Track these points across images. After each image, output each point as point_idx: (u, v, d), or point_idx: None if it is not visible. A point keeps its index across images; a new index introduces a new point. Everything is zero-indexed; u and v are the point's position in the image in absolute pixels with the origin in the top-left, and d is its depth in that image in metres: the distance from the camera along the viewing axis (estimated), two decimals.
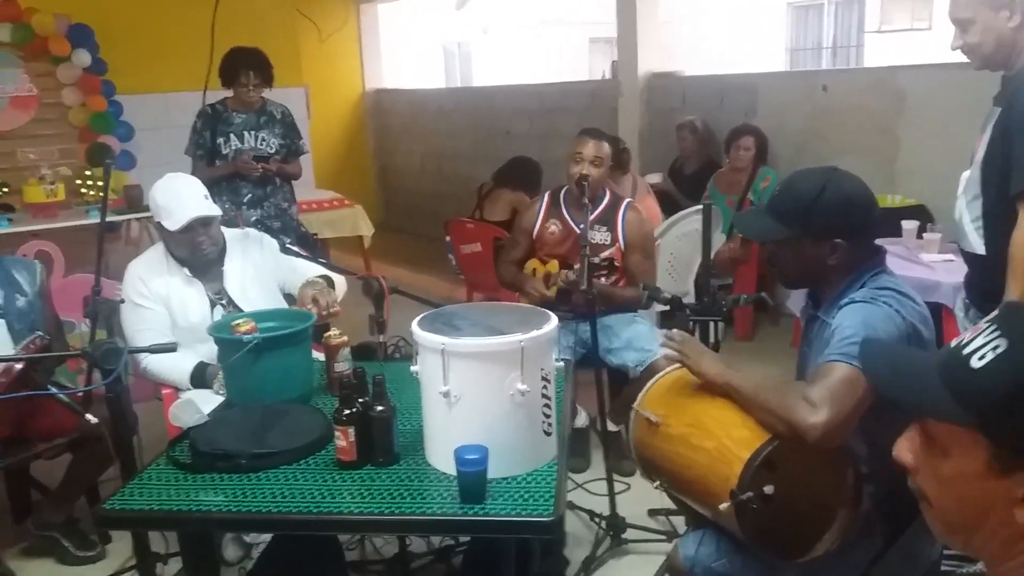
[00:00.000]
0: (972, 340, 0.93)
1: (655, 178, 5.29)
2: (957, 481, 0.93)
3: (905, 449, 0.99)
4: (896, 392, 0.99)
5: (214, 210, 2.70)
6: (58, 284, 3.99)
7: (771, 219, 1.84)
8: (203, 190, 2.73)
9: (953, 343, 0.97)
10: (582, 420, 3.45)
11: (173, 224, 2.62)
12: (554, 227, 3.36)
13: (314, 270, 2.82)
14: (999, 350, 0.90)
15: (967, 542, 0.94)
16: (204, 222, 2.66)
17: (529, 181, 5.06)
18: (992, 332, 0.92)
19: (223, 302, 2.73)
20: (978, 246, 2.22)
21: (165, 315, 2.68)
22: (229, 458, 1.87)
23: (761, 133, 4.93)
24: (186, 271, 2.71)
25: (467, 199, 5.21)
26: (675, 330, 1.97)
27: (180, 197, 2.66)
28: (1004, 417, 0.88)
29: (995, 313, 0.95)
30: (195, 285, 2.71)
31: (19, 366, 2.47)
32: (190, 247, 2.67)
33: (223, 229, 2.81)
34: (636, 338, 3.22)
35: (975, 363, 0.91)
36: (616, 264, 3.29)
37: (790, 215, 1.81)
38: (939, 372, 0.95)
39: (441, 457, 1.83)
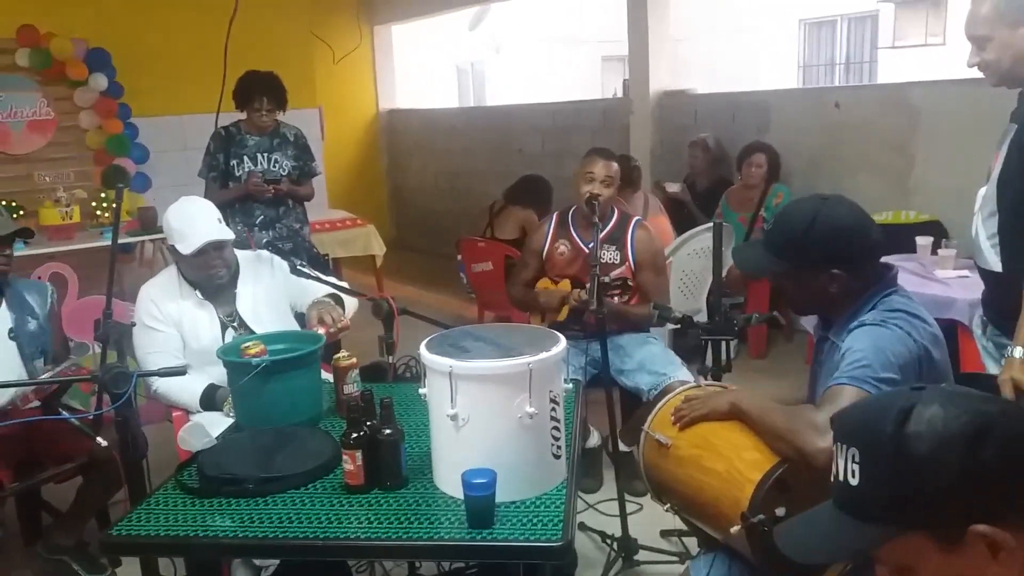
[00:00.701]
0: (837, 465, 0.98)
1: (674, 187, 5.28)
2: None
3: None
4: (827, 554, 1.04)
5: (227, 234, 2.71)
6: (72, 306, 4.02)
7: (766, 252, 1.84)
8: (217, 214, 2.74)
9: (832, 479, 1.00)
10: (594, 440, 3.43)
11: (187, 248, 2.62)
12: (563, 247, 3.36)
13: (323, 290, 2.82)
14: (857, 458, 0.94)
15: None
16: (217, 246, 2.66)
17: (539, 199, 5.06)
18: (842, 448, 0.96)
19: (234, 324, 2.73)
20: (994, 263, 2.19)
21: (177, 337, 2.68)
22: (236, 482, 1.86)
23: (773, 150, 4.91)
24: (198, 294, 2.72)
25: (479, 217, 5.21)
26: (680, 398, 1.94)
27: (194, 221, 2.66)
28: (907, 504, 0.90)
29: (835, 431, 1.00)
30: (207, 308, 2.72)
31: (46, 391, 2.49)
32: (203, 270, 2.67)
33: (236, 251, 2.83)
34: (650, 360, 3.19)
35: (852, 481, 0.94)
36: (630, 283, 3.28)
37: (783, 248, 1.81)
38: (843, 510, 0.98)
39: (449, 481, 1.82)
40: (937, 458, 0.88)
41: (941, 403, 0.91)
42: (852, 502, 0.95)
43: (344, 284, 2.93)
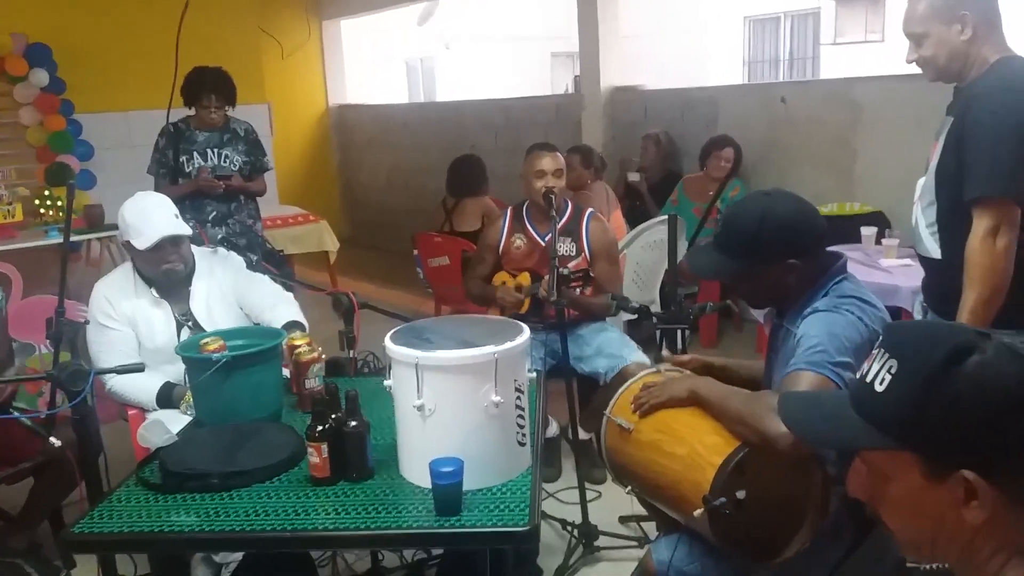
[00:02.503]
0: (871, 368, 1.00)
1: (633, 176, 5.35)
2: (905, 501, 0.98)
3: (855, 486, 1.05)
4: (824, 439, 1.07)
5: (184, 229, 2.68)
6: (17, 306, 3.91)
7: (721, 256, 1.89)
8: (173, 209, 2.70)
9: (858, 375, 1.03)
10: (553, 430, 3.47)
11: (142, 243, 2.58)
12: (519, 241, 3.39)
13: (272, 287, 2.82)
14: (893, 369, 0.96)
15: (933, 555, 0.99)
16: (174, 241, 2.63)
17: (479, 179, 5.09)
18: (883, 356, 0.99)
19: (189, 324, 2.70)
20: (934, 250, 2.28)
21: (131, 336, 2.65)
22: (200, 478, 1.85)
23: (738, 145, 4.99)
24: (153, 292, 2.68)
25: (434, 213, 5.22)
26: (640, 384, 1.98)
27: (149, 216, 2.62)
28: (918, 429, 0.93)
29: (882, 337, 1.02)
30: (162, 306, 2.69)
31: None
32: (158, 266, 2.64)
33: (192, 248, 2.79)
34: (606, 344, 3.25)
35: (878, 388, 0.97)
36: (591, 275, 3.32)
37: (737, 249, 1.85)
38: (855, 406, 1.01)
39: (416, 471, 1.84)
40: (970, 404, 0.90)
41: (998, 356, 0.92)
42: (869, 405, 0.98)
43: (301, 281, 2.92)
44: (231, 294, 2.80)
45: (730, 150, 4.93)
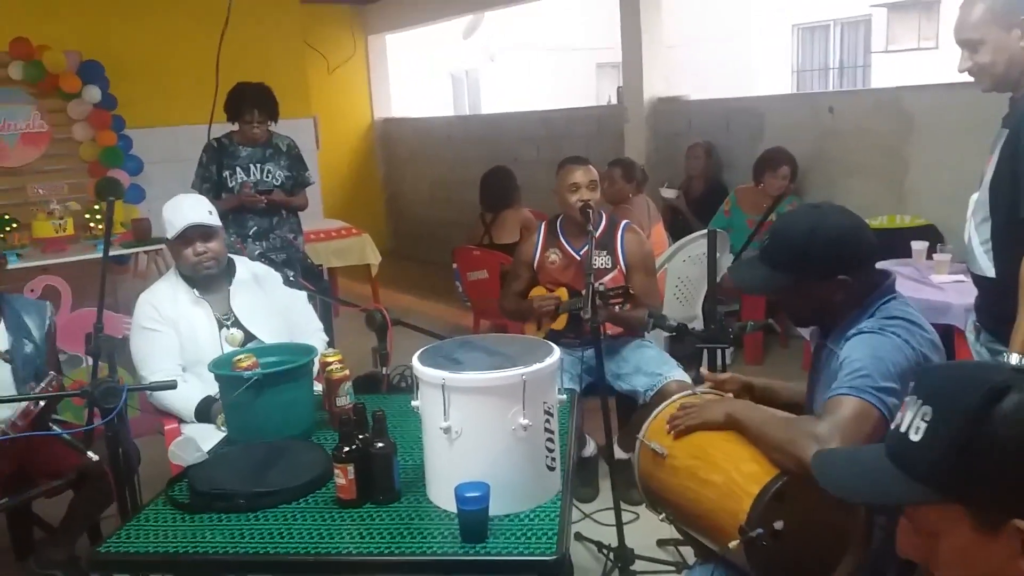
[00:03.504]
0: (904, 416, 0.95)
1: (670, 193, 5.26)
2: (958, 558, 0.91)
3: (906, 546, 0.98)
4: (864, 497, 1.02)
5: (214, 221, 2.75)
6: (65, 319, 3.99)
7: (767, 269, 1.81)
8: (208, 206, 2.79)
9: (892, 426, 0.98)
10: (590, 449, 3.41)
11: (171, 231, 2.69)
12: (554, 256, 3.35)
13: (309, 313, 2.91)
14: (928, 417, 0.91)
15: None
16: (203, 234, 2.70)
17: (510, 190, 5.06)
18: (916, 403, 0.94)
19: (229, 323, 2.74)
20: (987, 269, 2.18)
21: (174, 338, 2.69)
22: (227, 498, 1.84)
23: (794, 159, 4.84)
24: (195, 292, 2.73)
25: (474, 226, 5.20)
26: (676, 406, 1.93)
27: (180, 207, 2.75)
28: (961, 478, 0.88)
29: (913, 383, 0.97)
30: (203, 306, 2.74)
31: (37, 408, 2.47)
32: (190, 259, 2.71)
33: (235, 257, 2.86)
34: (645, 363, 3.19)
35: (913, 437, 0.92)
36: (631, 292, 3.26)
37: (785, 263, 1.78)
38: (892, 460, 0.95)
39: (442, 494, 1.80)
40: (1013, 447, 0.85)
41: None
42: (906, 456, 0.93)
43: (337, 297, 2.93)
44: (276, 304, 2.83)
45: (786, 168, 4.78)
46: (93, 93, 5.68)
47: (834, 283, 1.74)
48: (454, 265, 5.04)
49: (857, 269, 1.74)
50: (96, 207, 5.40)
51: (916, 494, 0.91)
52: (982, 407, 0.87)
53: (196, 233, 2.69)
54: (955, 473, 0.88)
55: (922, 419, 0.92)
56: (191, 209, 2.74)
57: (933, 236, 4.11)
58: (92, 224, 5.31)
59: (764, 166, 4.86)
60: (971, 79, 2.18)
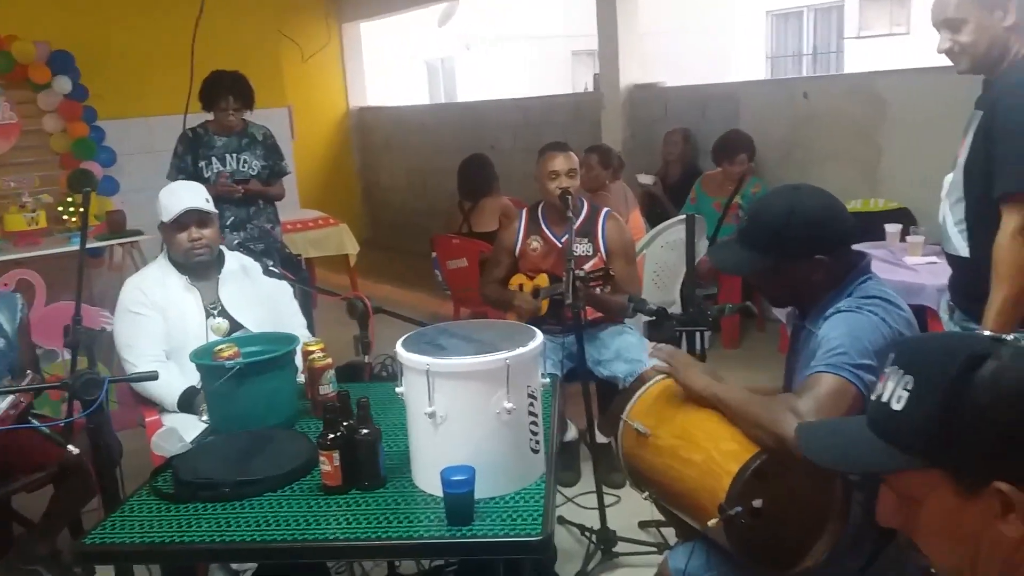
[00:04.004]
0: (885, 387, 0.97)
1: (647, 179, 5.29)
2: (940, 524, 0.94)
3: (885, 514, 1.01)
4: (847, 466, 1.04)
5: (210, 208, 2.75)
6: (40, 312, 3.95)
7: (746, 250, 1.84)
8: (205, 193, 2.80)
9: (873, 397, 0.99)
10: (571, 434, 3.43)
11: (167, 215, 2.68)
12: (536, 243, 3.36)
13: (294, 307, 2.91)
14: (909, 386, 0.93)
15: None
16: (199, 221, 2.70)
17: (488, 178, 5.05)
18: (897, 373, 0.96)
19: (216, 311, 2.73)
20: (962, 249, 2.22)
21: (160, 323, 2.68)
22: (212, 487, 1.84)
23: (751, 144, 4.90)
24: (186, 278, 2.72)
25: (453, 215, 5.20)
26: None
27: (178, 192, 2.77)
28: (944, 444, 0.90)
29: (893, 355, 0.99)
30: (192, 292, 2.73)
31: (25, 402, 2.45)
32: (183, 244, 2.69)
33: (225, 250, 2.86)
34: (625, 349, 3.22)
35: (896, 406, 0.94)
36: (611, 273, 3.28)
37: (764, 243, 1.80)
38: (874, 429, 0.98)
39: (428, 479, 1.81)
40: (993, 412, 0.87)
41: (1016, 359, 0.90)
42: (889, 425, 0.95)
43: (318, 287, 2.92)
44: (263, 295, 2.83)
45: (743, 155, 4.84)
46: (63, 84, 5.60)
47: (812, 263, 1.76)
48: (433, 254, 5.04)
49: (835, 249, 1.77)
50: (69, 199, 5.34)
51: (899, 462, 0.93)
52: (962, 374, 0.89)
53: (192, 219, 2.69)
54: (937, 439, 0.90)
55: (904, 388, 0.93)
56: (188, 194, 2.74)
57: (906, 219, 4.17)
58: (65, 217, 5.26)
59: (721, 154, 4.93)
60: (946, 62, 2.21)
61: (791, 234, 1.76)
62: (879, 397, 0.97)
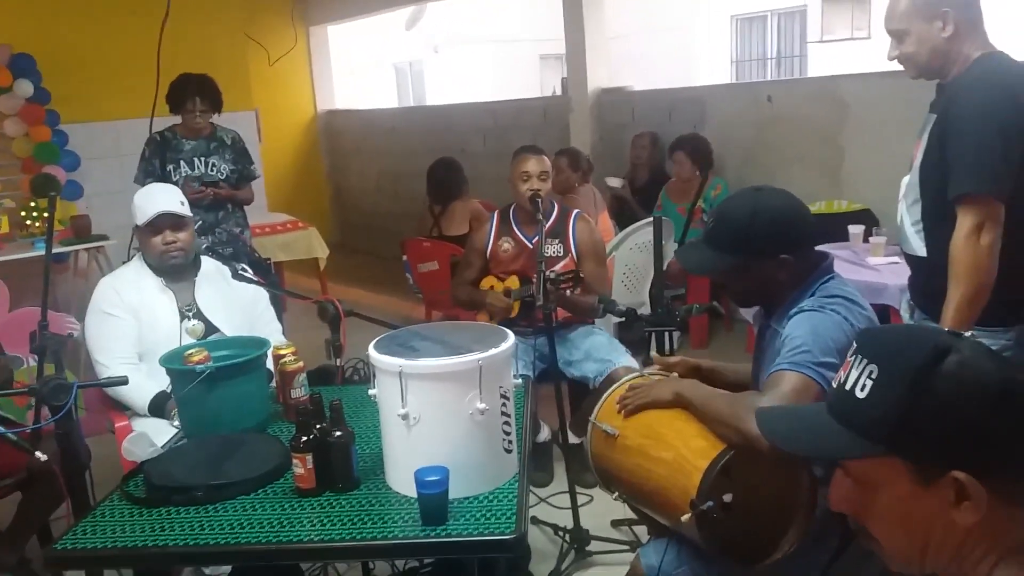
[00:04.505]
0: (848, 375, 0.99)
1: (615, 182, 5.34)
2: (894, 509, 0.96)
3: (838, 499, 1.03)
4: (805, 449, 1.05)
5: (185, 212, 2.73)
6: (3, 319, 3.89)
7: (712, 251, 1.88)
8: (181, 196, 2.78)
9: (835, 384, 1.02)
10: (544, 434, 3.46)
11: (141, 218, 2.66)
12: (507, 245, 3.39)
13: (270, 314, 2.89)
14: (874, 375, 0.95)
15: (923, 564, 0.97)
16: (174, 223, 2.68)
17: (458, 181, 5.04)
18: (861, 362, 0.98)
19: (191, 314, 2.71)
20: (919, 249, 2.27)
21: (133, 326, 2.65)
22: (185, 491, 1.83)
23: (695, 143, 5.00)
24: (161, 280, 2.70)
25: (423, 218, 5.20)
26: (625, 387, 1.97)
27: (153, 195, 2.75)
28: (906, 432, 0.92)
29: (856, 344, 1.01)
30: (167, 294, 2.71)
31: None
32: (158, 247, 2.67)
33: (201, 257, 2.84)
34: (595, 349, 3.25)
35: (859, 394, 0.96)
36: (581, 276, 3.31)
37: (729, 244, 1.85)
38: (834, 416, 1.00)
39: (402, 480, 1.82)
40: (955, 403, 0.90)
41: (976, 354, 0.93)
42: (851, 412, 0.97)
43: (287, 290, 2.92)
44: (239, 299, 2.81)
45: (680, 153, 4.98)
46: (25, 87, 5.52)
47: (776, 262, 1.81)
48: (404, 257, 5.03)
49: (798, 248, 1.82)
50: (32, 204, 5.27)
51: (860, 447, 0.96)
52: (927, 366, 0.92)
53: (167, 222, 2.66)
54: (899, 428, 0.92)
55: (868, 377, 0.96)
56: (163, 197, 2.72)
57: (869, 220, 4.26)
58: (28, 222, 5.18)
59: (668, 156, 5.09)
60: (901, 67, 2.28)
61: (755, 234, 1.80)
62: (842, 384, 1.00)
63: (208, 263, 2.85)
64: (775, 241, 1.80)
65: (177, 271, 2.73)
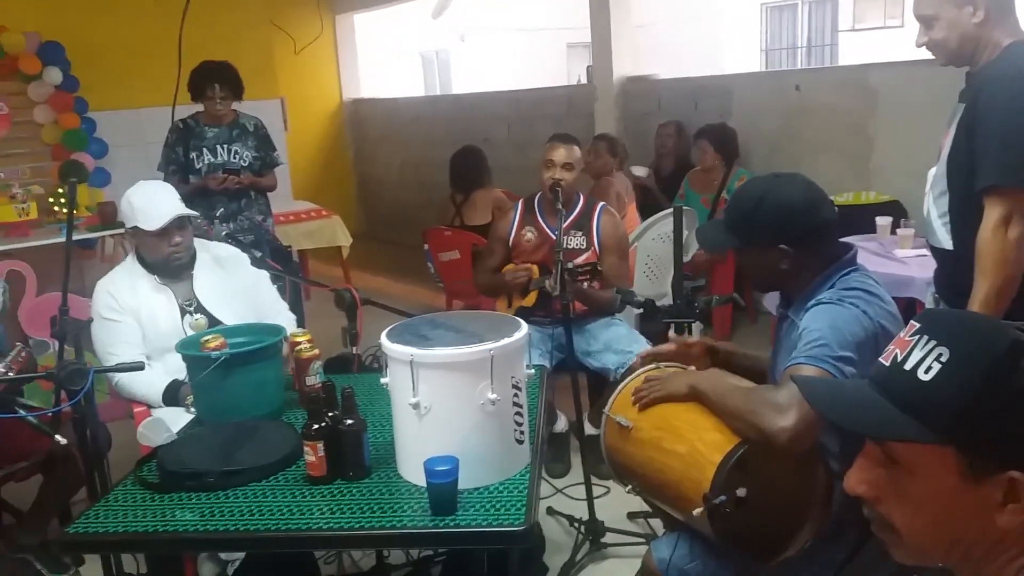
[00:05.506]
0: (909, 354, 0.92)
1: (641, 171, 5.29)
2: (931, 500, 0.90)
3: (859, 481, 0.96)
4: (851, 423, 0.97)
5: (190, 210, 2.73)
6: (30, 304, 3.95)
7: (723, 230, 1.88)
8: (177, 195, 2.76)
9: (887, 362, 0.95)
10: (562, 425, 3.45)
11: (152, 224, 2.61)
12: (530, 234, 3.36)
13: (274, 295, 2.87)
14: (944, 358, 0.89)
15: (947, 558, 0.92)
16: (181, 224, 2.67)
17: (480, 171, 5.02)
18: (928, 343, 0.91)
19: (192, 309, 2.71)
20: (946, 241, 2.22)
21: (136, 328, 2.65)
22: (197, 477, 1.84)
23: (720, 133, 4.93)
24: (156, 278, 2.70)
25: (445, 207, 5.19)
26: (640, 380, 1.96)
27: (158, 198, 2.69)
28: (968, 423, 0.87)
29: (919, 324, 0.94)
30: (165, 292, 2.70)
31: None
32: (164, 250, 2.66)
33: (196, 243, 2.82)
34: (615, 340, 3.22)
35: (923, 376, 0.90)
36: (599, 268, 3.29)
37: (735, 225, 1.85)
38: (885, 394, 0.93)
39: (412, 469, 1.82)
40: None
41: None
42: (908, 393, 0.91)
43: (305, 278, 2.92)
44: (239, 286, 2.81)
45: (704, 141, 4.91)
46: (54, 75, 5.57)
47: (775, 251, 1.78)
48: (425, 246, 5.03)
49: (799, 242, 1.77)
50: (60, 191, 5.32)
51: (912, 430, 0.89)
52: (1006, 356, 0.87)
53: (175, 224, 2.65)
54: (962, 417, 0.87)
55: (936, 360, 0.89)
56: (169, 200, 2.68)
57: (897, 211, 4.17)
58: (56, 208, 5.23)
59: (693, 142, 5.03)
60: (930, 54, 2.22)
61: (757, 220, 1.79)
62: (898, 363, 0.93)
63: (204, 253, 2.82)
64: (773, 231, 1.78)
65: (175, 268, 2.72)
